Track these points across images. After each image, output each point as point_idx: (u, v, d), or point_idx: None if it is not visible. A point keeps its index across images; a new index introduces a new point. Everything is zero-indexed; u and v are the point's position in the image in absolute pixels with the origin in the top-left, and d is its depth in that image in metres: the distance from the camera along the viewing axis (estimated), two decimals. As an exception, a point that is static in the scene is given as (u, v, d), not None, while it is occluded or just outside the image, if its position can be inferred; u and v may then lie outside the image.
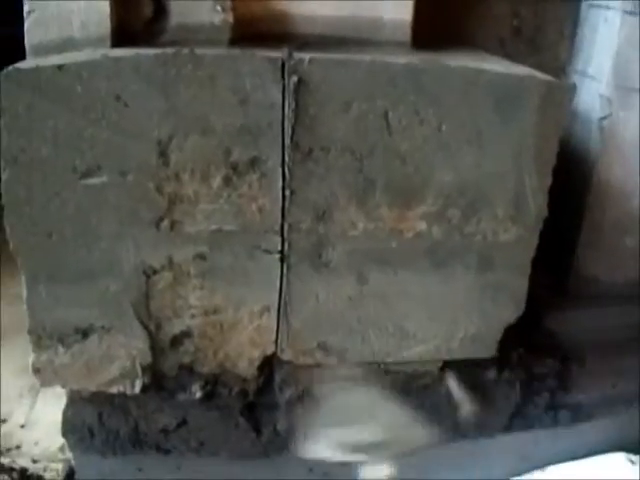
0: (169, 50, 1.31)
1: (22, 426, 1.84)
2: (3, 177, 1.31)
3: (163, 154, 1.34)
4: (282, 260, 1.42)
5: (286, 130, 1.33)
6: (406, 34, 1.59)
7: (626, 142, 1.72)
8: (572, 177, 1.78)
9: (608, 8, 1.70)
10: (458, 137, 1.40)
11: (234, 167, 1.35)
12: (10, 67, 1.28)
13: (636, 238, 1.79)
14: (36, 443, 1.82)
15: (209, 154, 1.34)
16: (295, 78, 1.31)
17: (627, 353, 1.80)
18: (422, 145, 1.39)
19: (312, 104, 1.33)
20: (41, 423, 1.86)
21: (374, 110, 1.35)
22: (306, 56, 1.32)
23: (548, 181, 1.48)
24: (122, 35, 1.44)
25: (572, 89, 1.48)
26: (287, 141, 1.34)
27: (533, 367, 1.68)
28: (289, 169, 1.35)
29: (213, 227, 1.39)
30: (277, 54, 1.32)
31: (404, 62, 1.35)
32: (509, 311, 1.55)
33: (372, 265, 1.45)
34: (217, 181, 1.36)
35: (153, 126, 1.33)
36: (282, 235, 1.40)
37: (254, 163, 1.35)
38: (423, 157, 1.39)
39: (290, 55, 1.32)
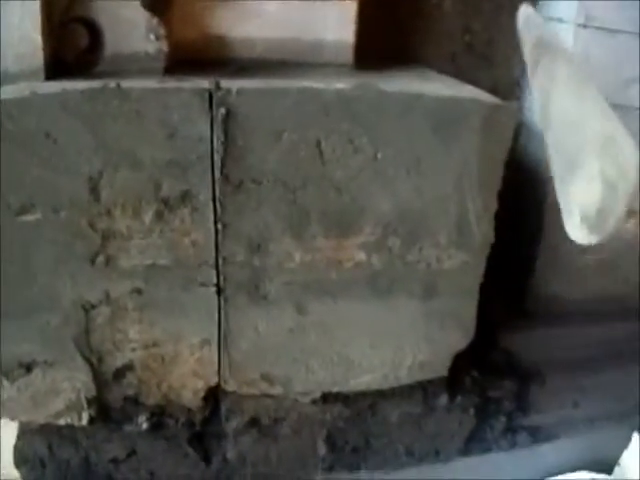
0: (95, 85, 1.29)
1: (-17, 454, 1.84)
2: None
3: (94, 190, 1.32)
4: (219, 293, 1.40)
5: (215, 163, 1.31)
6: (348, 55, 1.56)
7: (582, 158, 1.67)
8: (528, 194, 1.74)
9: (561, 21, 1.65)
10: (395, 164, 1.37)
11: (165, 201, 1.33)
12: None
13: (596, 254, 1.75)
14: (-1, 468, 1.82)
15: (139, 189, 1.32)
16: (223, 110, 1.28)
17: (588, 371, 1.76)
18: (357, 174, 1.36)
19: (241, 136, 1.30)
20: (3, 451, 1.85)
21: (306, 140, 1.32)
22: (234, 87, 1.29)
23: (493, 205, 1.45)
24: (57, 66, 1.42)
25: (517, 110, 1.44)
26: (217, 174, 1.32)
27: (488, 390, 1.65)
28: (220, 202, 1.33)
29: (148, 262, 1.37)
30: (205, 85, 1.30)
31: (335, 89, 1.32)
32: (458, 337, 1.53)
33: (311, 295, 1.43)
34: (149, 216, 1.34)
35: (83, 162, 1.31)
36: (217, 268, 1.38)
37: (185, 197, 1.33)
38: (359, 186, 1.36)
39: (217, 86, 1.29)
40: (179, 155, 1.31)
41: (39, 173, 1.31)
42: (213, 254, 1.37)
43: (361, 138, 1.34)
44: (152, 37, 1.44)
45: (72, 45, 1.45)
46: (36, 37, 1.39)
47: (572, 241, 1.64)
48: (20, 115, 1.28)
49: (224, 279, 1.39)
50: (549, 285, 1.79)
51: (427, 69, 1.65)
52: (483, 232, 1.45)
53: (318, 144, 1.33)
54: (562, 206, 1.04)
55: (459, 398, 1.62)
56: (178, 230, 1.35)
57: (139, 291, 1.39)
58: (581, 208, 0.97)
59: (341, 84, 1.34)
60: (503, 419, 1.68)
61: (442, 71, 1.66)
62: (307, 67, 1.52)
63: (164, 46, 1.44)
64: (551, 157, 1.09)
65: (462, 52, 1.72)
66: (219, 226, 1.35)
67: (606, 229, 0.93)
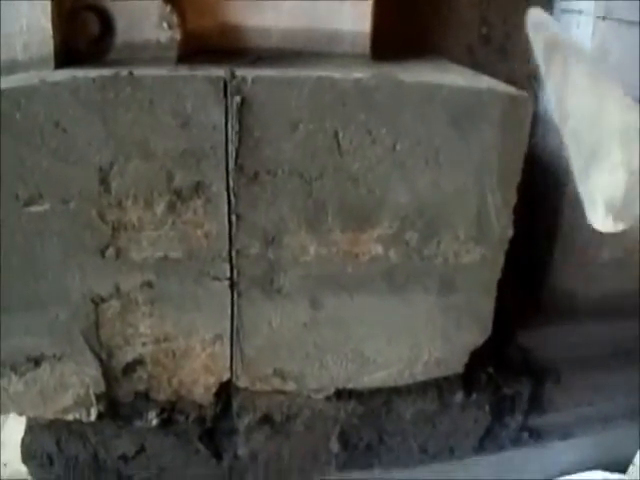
0: (107, 73, 1.26)
1: (-9, 447, 1.82)
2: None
3: (104, 181, 1.29)
4: (232, 287, 1.37)
5: (230, 153, 1.28)
6: (365, 46, 1.53)
7: (601, 151, 1.64)
8: (546, 188, 1.71)
9: (580, 13, 1.62)
10: (414, 156, 1.34)
11: (177, 192, 1.30)
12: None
13: (614, 250, 1.72)
14: (5, 464, 1.79)
15: (151, 180, 1.29)
16: (238, 99, 1.25)
17: (604, 369, 1.73)
18: (375, 166, 1.33)
19: (257, 125, 1.27)
20: (11, 444, 1.82)
21: (323, 130, 1.29)
22: (249, 75, 1.26)
23: (513, 199, 1.42)
24: (67, 55, 1.39)
25: (533, 101, 1.41)
26: (231, 164, 1.29)
27: (504, 387, 1.62)
28: (234, 194, 1.30)
29: (159, 254, 1.34)
30: (220, 73, 1.27)
31: (353, 79, 1.29)
32: (475, 334, 1.50)
33: (326, 290, 1.40)
34: (161, 207, 1.31)
35: (93, 152, 1.28)
36: (230, 261, 1.35)
37: (198, 188, 1.30)
38: (377, 178, 1.33)
39: (232, 74, 1.26)
40: (192, 145, 1.27)
41: (48, 163, 1.28)
42: (227, 247, 1.34)
43: (379, 129, 1.31)
44: (165, 25, 1.40)
45: (83, 33, 1.41)
46: (46, 25, 1.35)
47: (589, 237, 1.61)
48: (28, 104, 1.25)
49: (238, 272, 1.36)
50: (566, 281, 1.76)
51: (444, 60, 1.62)
52: (502, 226, 1.42)
53: (335, 134, 1.30)
54: (584, 198, 1.05)
55: (474, 395, 1.59)
56: (191, 222, 1.32)
57: (150, 284, 1.36)
58: (605, 198, 0.98)
59: (359, 74, 1.31)
60: (518, 417, 1.65)
61: (459, 62, 1.63)
62: (324, 57, 1.48)
63: (177, 34, 1.41)
64: (570, 151, 1.09)
65: (479, 44, 1.69)
66: (233, 218, 1.32)
67: (632, 215, 0.95)
